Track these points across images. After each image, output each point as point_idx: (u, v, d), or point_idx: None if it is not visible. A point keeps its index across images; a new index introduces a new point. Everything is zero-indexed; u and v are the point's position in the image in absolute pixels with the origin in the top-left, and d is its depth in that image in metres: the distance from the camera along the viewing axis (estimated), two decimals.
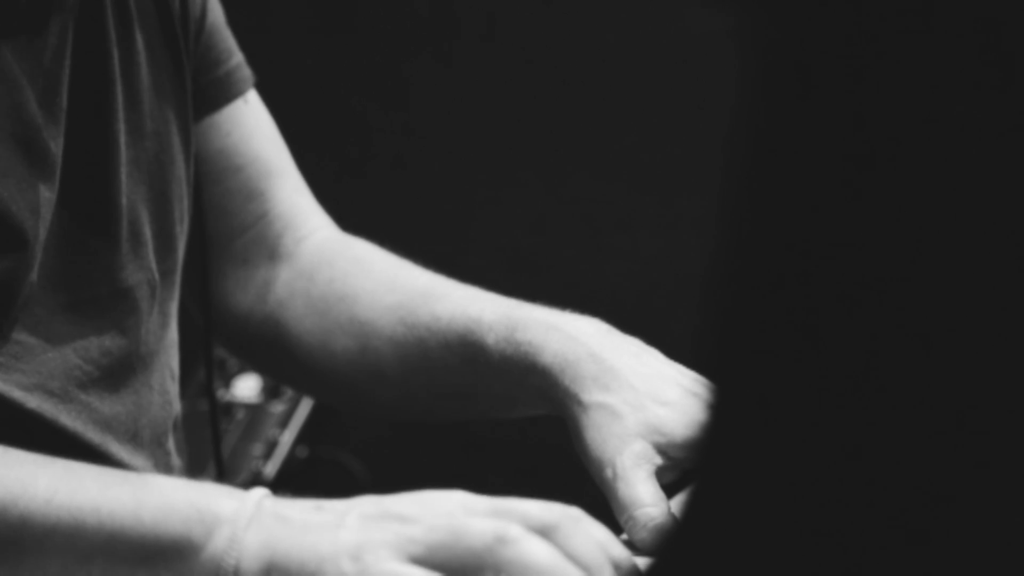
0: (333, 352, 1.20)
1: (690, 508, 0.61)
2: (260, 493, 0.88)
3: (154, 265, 1.10)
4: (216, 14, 1.21)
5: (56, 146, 1.01)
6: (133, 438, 1.09)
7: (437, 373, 1.14)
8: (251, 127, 1.23)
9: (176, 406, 1.16)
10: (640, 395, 1.02)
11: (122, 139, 1.06)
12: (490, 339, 1.10)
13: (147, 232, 1.09)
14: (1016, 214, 0.52)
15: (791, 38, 0.55)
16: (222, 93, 1.21)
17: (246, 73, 1.24)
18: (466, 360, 1.12)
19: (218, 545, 0.85)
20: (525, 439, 2.22)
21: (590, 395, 1.03)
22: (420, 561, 0.82)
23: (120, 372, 1.08)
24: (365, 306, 1.19)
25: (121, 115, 1.06)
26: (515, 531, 0.81)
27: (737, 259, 0.55)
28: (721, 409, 0.58)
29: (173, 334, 1.15)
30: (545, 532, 0.82)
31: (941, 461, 0.55)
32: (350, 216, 2.43)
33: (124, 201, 1.06)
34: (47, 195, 1.00)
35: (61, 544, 0.87)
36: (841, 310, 0.54)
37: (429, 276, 1.20)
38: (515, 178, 2.39)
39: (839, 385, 0.55)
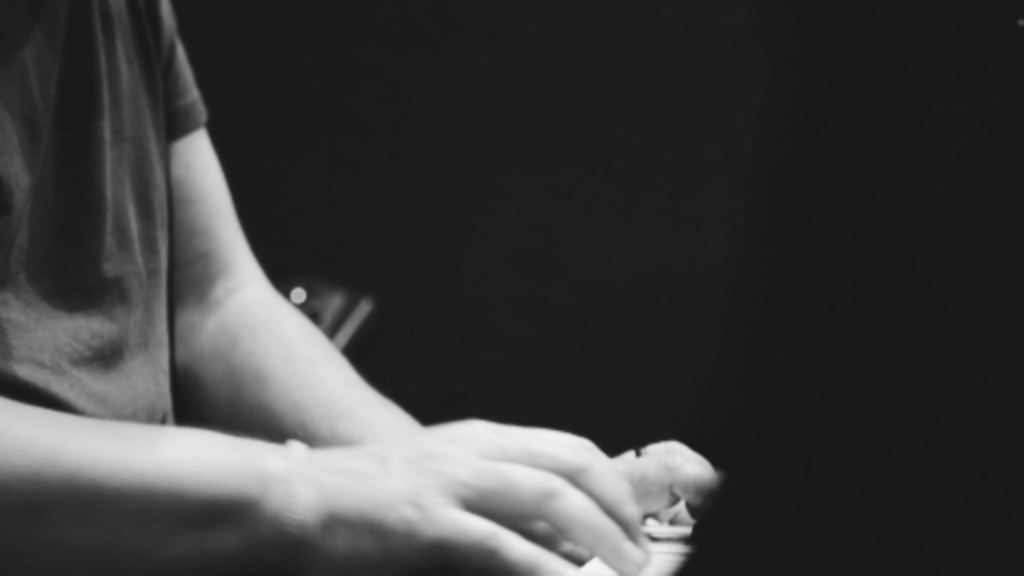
0: (241, 428, 1.23)
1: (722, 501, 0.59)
2: (301, 448, 0.93)
3: (141, 261, 1.11)
4: (180, 48, 1.24)
5: (46, 134, 1.03)
6: (130, 418, 1.09)
7: None
8: (205, 162, 1.26)
9: (168, 401, 1.16)
10: None
11: (107, 136, 1.08)
12: None
13: (134, 229, 1.11)
14: None
15: (815, 34, 0.53)
16: (188, 121, 1.24)
17: (203, 107, 1.26)
18: None
19: (275, 502, 0.89)
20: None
21: None
22: (471, 505, 0.87)
23: (111, 356, 1.08)
24: (275, 395, 1.22)
25: (107, 113, 1.08)
26: (560, 485, 0.89)
27: (764, 264, 0.54)
28: (745, 418, 0.57)
29: (162, 334, 1.15)
30: (575, 475, 0.89)
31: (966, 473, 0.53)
32: (347, 214, 2.42)
33: (109, 194, 1.08)
34: (34, 179, 1.02)
35: (133, 507, 0.89)
36: (870, 317, 0.53)
37: (342, 380, 1.23)
38: (515, 175, 2.38)
39: (868, 393, 0.54)
